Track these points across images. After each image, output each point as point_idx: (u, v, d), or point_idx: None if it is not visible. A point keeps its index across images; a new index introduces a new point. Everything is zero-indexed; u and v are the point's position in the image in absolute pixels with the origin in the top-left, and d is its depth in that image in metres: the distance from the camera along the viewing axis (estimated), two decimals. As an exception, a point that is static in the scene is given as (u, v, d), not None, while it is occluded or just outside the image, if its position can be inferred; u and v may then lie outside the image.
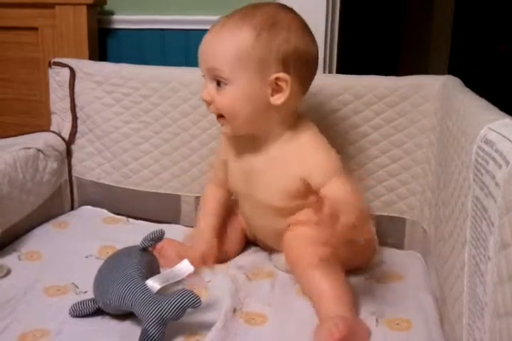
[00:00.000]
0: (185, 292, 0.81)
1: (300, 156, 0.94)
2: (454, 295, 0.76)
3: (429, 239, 1.04)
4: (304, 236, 0.93)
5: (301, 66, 0.93)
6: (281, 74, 0.90)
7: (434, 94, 1.09)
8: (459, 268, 0.72)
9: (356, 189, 0.93)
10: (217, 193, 1.12)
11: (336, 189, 0.91)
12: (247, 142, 1.00)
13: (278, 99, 0.92)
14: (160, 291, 0.84)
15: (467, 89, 0.97)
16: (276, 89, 0.91)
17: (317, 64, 0.98)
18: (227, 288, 0.95)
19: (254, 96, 0.91)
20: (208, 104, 0.94)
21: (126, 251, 0.93)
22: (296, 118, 0.98)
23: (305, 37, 0.94)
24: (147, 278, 0.86)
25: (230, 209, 1.13)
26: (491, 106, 0.77)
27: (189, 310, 0.81)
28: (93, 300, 0.88)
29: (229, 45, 0.89)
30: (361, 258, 1.04)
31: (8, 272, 1.01)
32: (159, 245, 1.03)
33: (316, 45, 0.97)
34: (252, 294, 0.95)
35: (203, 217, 1.10)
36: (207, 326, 0.84)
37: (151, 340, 0.78)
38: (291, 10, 0.96)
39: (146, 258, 0.91)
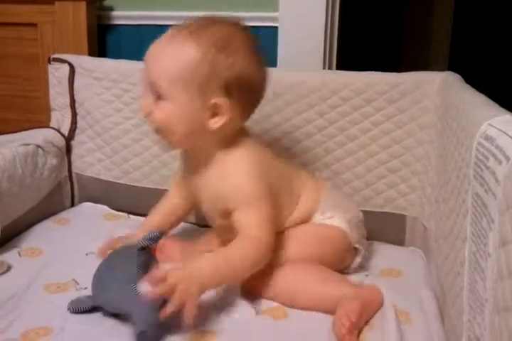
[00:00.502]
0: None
1: (223, 178, 0.92)
2: (454, 292, 0.76)
3: (430, 235, 1.04)
4: None
5: (244, 92, 0.90)
6: (221, 100, 0.88)
7: (434, 90, 1.08)
8: (459, 264, 0.72)
9: (268, 217, 0.91)
10: (174, 197, 1.10)
11: (241, 218, 0.91)
12: (191, 158, 1.00)
13: (215, 124, 0.89)
14: None
15: (467, 85, 0.97)
16: (215, 113, 0.89)
17: (263, 87, 0.95)
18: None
19: (190, 116, 0.89)
20: (146, 114, 0.91)
21: (125, 251, 0.92)
22: (233, 140, 0.94)
23: (252, 62, 0.90)
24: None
25: None
26: (491, 103, 0.77)
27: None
28: (91, 297, 0.88)
29: (173, 61, 0.87)
30: (338, 262, 1.01)
31: (9, 268, 1.01)
32: (161, 242, 1.03)
33: (264, 68, 0.94)
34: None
35: (150, 215, 1.10)
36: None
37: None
38: (244, 30, 0.92)
39: (144, 258, 0.89)
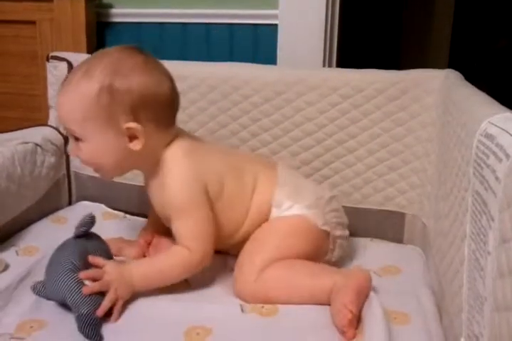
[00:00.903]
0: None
1: (162, 189, 0.94)
2: (453, 290, 0.75)
3: (429, 233, 1.04)
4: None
5: (152, 109, 0.92)
6: (131, 124, 0.89)
7: (434, 88, 1.08)
8: (459, 262, 0.72)
9: (203, 226, 0.93)
10: None
11: (177, 226, 0.94)
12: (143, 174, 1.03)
13: (136, 145, 0.91)
14: None
15: (467, 83, 0.97)
16: (132, 136, 0.91)
17: (171, 98, 0.95)
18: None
19: (111, 147, 0.91)
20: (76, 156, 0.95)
21: (61, 244, 0.94)
22: (163, 151, 0.95)
23: (152, 78, 0.91)
24: (78, 267, 0.87)
25: None
26: (491, 100, 0.76)
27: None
28: None
29: (73, 103, 0.90)
30: (315, 251, 1.00)
31: (6, 267, 1.01)
32: (155, 239, 1.05)
33: (168, 79, 0.95)
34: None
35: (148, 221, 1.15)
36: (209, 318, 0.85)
37: (89, 322, 0.80)
38: (136, 52, 0.94)
39: (80, 246, 0.91)
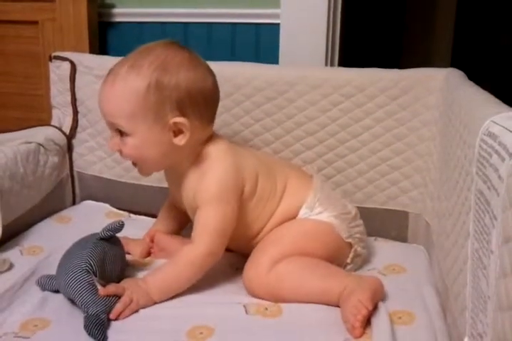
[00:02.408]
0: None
1: (199, 183, 0.96)
2: (457, 289, 0.75)
3: (432, 232, 1.03)
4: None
5: (198, 105, 0.94)
6: (178, 119, 0.91)
7: (436, 87, 1.08)
8: (462, 261, 0.72)
9: (224, 222, 0.94)
10: (171, 210, 1.14)
11: (200, 216, 0.95)
12: (172, 174, 1.05)
13: (180, 141, 0.93)
14: None
15: (470, 81, 0.97)
16: (177, 131, 0.93)
17: (215, 94, 0.98)
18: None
19: (157, 142, 0.93)
20: (118, 152, 0.96)
21: (83, 241, 0.95)
22: (203, 147, 0.98)
23: (197, 74, 0.93)
24: (94, 269, 0.88)
25: None
26: (493, 99, 0.76)
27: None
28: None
29: (121, 98, 0.90)
30: (330, 258, 0.99)
31: (11, 267, 1.01)
32: (157, 236, 1.08)
33: (211, 75, 0.96)
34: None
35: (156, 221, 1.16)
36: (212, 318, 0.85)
37: (97, 322, 0.81)
38: (180, 48, 0.95)
39: (100, 249, 0.92)
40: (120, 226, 0.94)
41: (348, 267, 1.02)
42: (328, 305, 0.89)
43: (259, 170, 1.00)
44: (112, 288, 0.86)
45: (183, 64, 0.92)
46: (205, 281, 0.95)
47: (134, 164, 0.99)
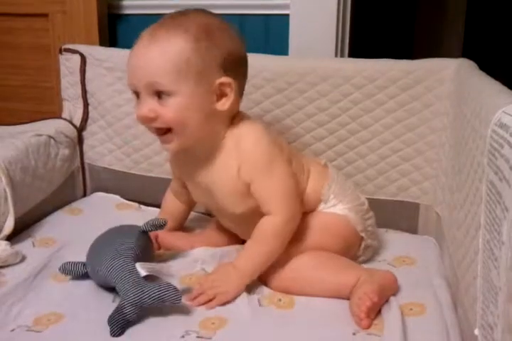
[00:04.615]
0: (169, 286, 0.82)
1: (237, 153, 0.93)
2: (468, 280, 0.75)
3: (443, 223, 1.03)
4: None
5: (238, 67, 0.93)
6: (225, 79, 0.89)
7: (448, 77, 1.07)
8: (473, 252, 0.72)
9: (286, 182, 0.93)
10: (175, 204, 1.14)
11: (259, 189, 0.92)
12: (190, 160, 0.98)
13: (224, 105, 0.90)
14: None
15: (481, 72, 0.96)
16: (221, 94, 0.90)
17: (247, 61, 0.96)
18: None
19: (200, 104, 0.89)
20: (152, 120, 0.89)
21: (128, 229, 0.96)
22: (237, 120, 0.95)
23: (234, 38, 0.92)
24: (138, 260, 0.88)
25: None
26: (505, 90, 0.75)
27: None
28: (84, 265, 0.93)
29: (166, 57, 0.86)
30: (344, 251, 1.00)
31: (23, 259, 1.02)
32: (161, 235, 1.08)
33: (243, 43, 0.95)
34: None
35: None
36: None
37: (123, 318, 0.80)
38: (215, 14, 0.94)
39: (143, 240, 0.94)
40: (164, 223, 0.95)
41: (360, 259, 1.03)
42: (340, 298, 0.89)
43: (289, 149, 1.00)
44: (203, 298, 0.88)
45: (223, 27, 0.91)
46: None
47: (166, 134, 0.91)
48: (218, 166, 0.94)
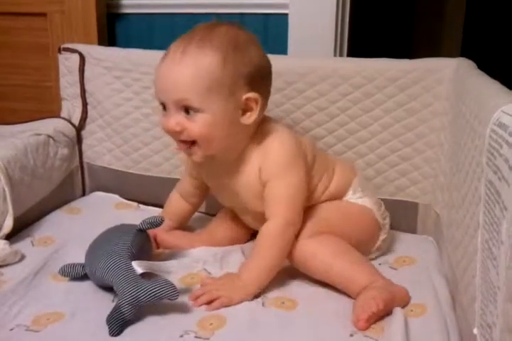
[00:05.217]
0: (166, 282, 0.82)
1: (260, 156, 0.95)
2: (467, 279, 0.75)
3: (442, 223, 1.03)
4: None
5: (264, 81, 0.94)
6: (252, 94, 0.90)
7: (447, 77, 1.07)
8: (472, 252, 0.72)
9: (298, 191, 0.95)
10: (181, 205, 1.14)
11: (272, 189, 0.94)
12: (215, 163, 0.99)
13: (249, 119, 0.92)
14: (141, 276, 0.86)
15: (480, 71, 0.96)
16: (246, 109, 0.91)
17: (271, 72, 0.98)
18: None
19: (227, 120, 0.90)
20: (178, 133, 0.90)
21: (125, 228, 0.96)
22: (261, 127, 0.97)
23: (260, 51, 0.94)
24: (135, 258, 0.88)
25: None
26: (504, 89, 0.75)
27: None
28: (83, 266, 0.92)
29: (196, 73, 0.87)
30: (367, 241, 1.04)
31: (22, 258, 1.02)
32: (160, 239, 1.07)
33: (267, 57, 0.96)
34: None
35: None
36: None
37: (121, 317, 0.80)
38: (241, 27, 0.95)
39: (140, 239, 0.95)
40: (160, 221, 0.96)
41: (376, 254, 1.05)
42: (348, 295, 0.90)
43: (313, 146, 1.03)
44: (204, 298, 0.87)
45: (250, 41, 0.93)
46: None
47: (190, 147, 0.92)
48: (242, 170, 0.97)
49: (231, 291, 0.88)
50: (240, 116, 0.91)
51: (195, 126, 0.89)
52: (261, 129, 0.96)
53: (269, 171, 0.94)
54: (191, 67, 0.87)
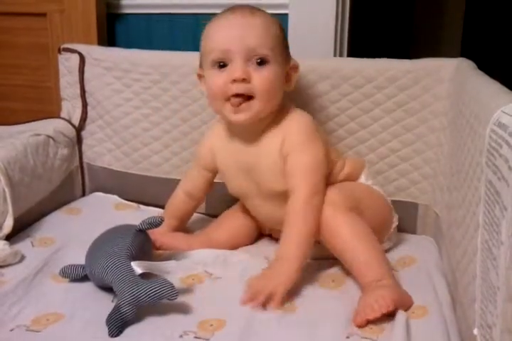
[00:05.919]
0: (166, 283, 0.82)
1: (283, 130, 0.99)
2: (467, 280, 0.75)
3: (442, 223, 1.03)
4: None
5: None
6: (295, 63, 0.99)
7: (446, 77, 1.07)
8: (472, 252, 0.72)
9: (319, 164, 0.97)
10: (184, 205, 1.14)
11: (294, 161, 0.97)
12: (239, 138, 1.02)
13: (289, 86, 1.00)
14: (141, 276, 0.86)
15: (480, 71, 0.96)
16: (287, 76, 0.99)
17: None
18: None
19: (281, 81, 0.97)
20: (244, 81, 0.92)
21: (124, 229, 0.96)
22: (284, 104, 1.01)
23: None
24: (134, 259, 0.88)
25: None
26: (504, 89, 0.75)
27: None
28: (83, 267, 0.92)
29: (269, 26, 0.95)
30: (383, 221, 1.05)
31: (22, 258, 1.02)
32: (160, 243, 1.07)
33: None
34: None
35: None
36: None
37: (121, 318, 0.80)
38: None
39: (140, 239, 0.95)
40: (160, 221, 0.96)
41: (388, 244, 1.07)
42: (347, 295, 0.90)
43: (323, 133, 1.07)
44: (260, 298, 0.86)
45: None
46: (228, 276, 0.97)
47: (245, 102, 0.94)
48: (264, 143, 0.99)
49: (278, 278, 0.88)
50: (284, 81, 0.98)
51: (262, 77, 0.93)
52: (281, 106, 1.00)
53: (291, 143, 0.97)
54: (264, 20, 0.95)
